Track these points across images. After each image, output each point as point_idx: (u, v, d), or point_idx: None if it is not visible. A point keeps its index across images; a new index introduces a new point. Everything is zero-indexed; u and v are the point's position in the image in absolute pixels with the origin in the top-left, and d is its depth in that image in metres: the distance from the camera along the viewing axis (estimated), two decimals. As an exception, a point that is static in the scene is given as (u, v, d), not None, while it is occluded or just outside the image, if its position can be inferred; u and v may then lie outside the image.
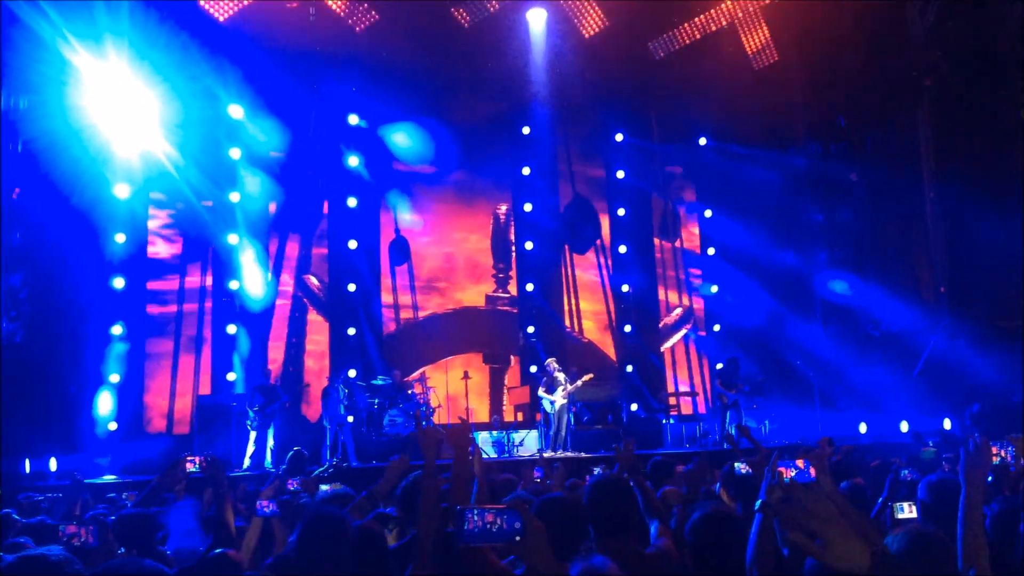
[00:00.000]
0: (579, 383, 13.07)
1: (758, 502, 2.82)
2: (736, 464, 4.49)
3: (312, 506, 3.26)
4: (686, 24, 15.64)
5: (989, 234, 14.09)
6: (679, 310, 18.08)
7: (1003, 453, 2.90)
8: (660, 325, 17.83)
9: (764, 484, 2.87)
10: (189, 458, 3.91)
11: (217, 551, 3.30)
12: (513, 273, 17.15)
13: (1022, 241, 14.19)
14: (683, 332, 18.04)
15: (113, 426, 12.44)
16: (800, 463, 2.90)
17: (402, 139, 15.92)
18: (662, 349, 17.68)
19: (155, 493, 4.05)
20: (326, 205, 15.56)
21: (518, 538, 2.20)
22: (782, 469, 2.91)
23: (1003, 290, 14.18)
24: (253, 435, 12.04)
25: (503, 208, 17.31)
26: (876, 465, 7.34)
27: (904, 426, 14.02)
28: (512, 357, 16.84)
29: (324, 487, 6.46)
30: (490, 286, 17.05)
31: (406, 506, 4.06)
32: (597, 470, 6.49)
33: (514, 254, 17.20)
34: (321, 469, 9.79)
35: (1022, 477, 3.83)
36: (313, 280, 15.48)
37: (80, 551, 3.04)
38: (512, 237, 17.27)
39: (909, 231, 15.56)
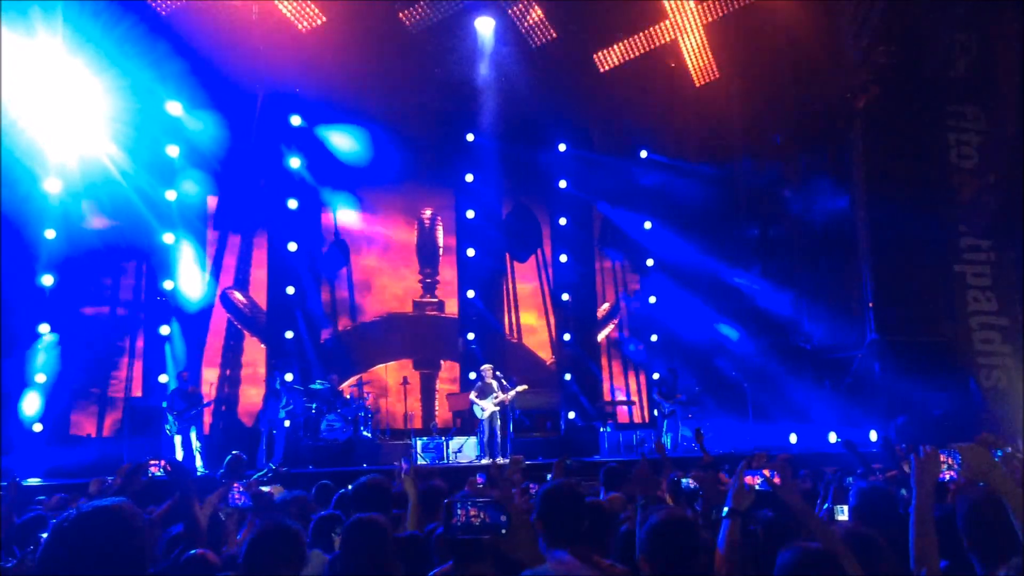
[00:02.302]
0: (512, 393, 13.11)
1: (725, 508, 2.88)
2: (684, 479, 4.57)
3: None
4: (631, 38, 15.89)
5: (916, 252, 14.63)
6: (607, 305, 18.27)
7: (950, 460, 3.03)
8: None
9: (731, 491, 2.93)
10: (152, 462, 3.91)
11: (193, 552, 3.27)
12: (440, 278, 17.16)
13: (947, 259, 14.80)
14: (611, 326, 18.24)
15: (39, 428, 12.03)
16: (767, 472, 2.97)
17: (345, 142, 15.77)
18: (599, 344, 17.85)
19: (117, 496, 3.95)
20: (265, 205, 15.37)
21: (504, 531, 2.24)
22: (748, 478, 2.97)
23: (928, 307, 14.72)
24: (178, 439, 11.89)
25: (427, 212, 17.31)
26: (805, 474, 7.59)
27: (832, 437, 14.42)
28: (442, 362, 16.84)
29: (264, 489, 6.39)
30: (419, 291, 17.05)
31: (358, 506, 4.06)
32: (549, 476, 6.54)
33: (441, 259, 17.20)
34: (260, 473, 9.62)
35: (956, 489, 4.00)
36: (238, 296, 15.25)
37: None
38: (439, 241, 17.28)
39: (839, 248, 16.02)
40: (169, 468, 3.86)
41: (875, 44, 15.19)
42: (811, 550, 2.52)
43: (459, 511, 2.26)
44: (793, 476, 3.22)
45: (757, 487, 2.94)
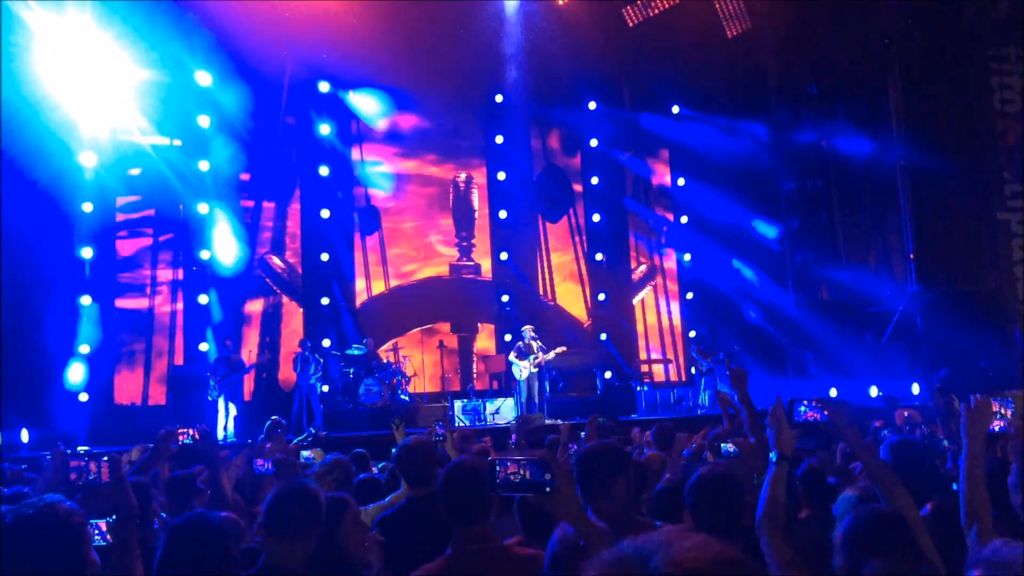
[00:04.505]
0: (551, 355, 13.15)
1: (773, 454, 2.82)
2: (724, 444, 4.51)
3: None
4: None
5: (957, 201, 14.31)
6: (643, 267, 18.13)
7: (1003, 410, 2.93)
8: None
9: (771, 435, 2.87)
10: (181, 430, 3.96)
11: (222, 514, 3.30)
12: (476, 240, 17.10)
13: (990, 208, 14.45)
14: (648, 288, 18.09)
15: (84, 397, 12.29)
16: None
17: (373, 106, 15.73)
18: (633, 305, 17.73)
19: (149, 463, 4.04)
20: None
21: (548, 489, 2.23)
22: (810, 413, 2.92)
23: (971, 256, 14.42)
24: (221, 403, 12.09)
25: (463, 176, 17.20)
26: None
27: (873, 391, 14.25)
28: (479, 325, 16.85)
29: (305, 453, 6.46)
30: (455, 255, 17.01)
31: (403, 468, 4.07)
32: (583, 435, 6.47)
33: (476, 222, 17.12)
34: (300, 438, 9.75)
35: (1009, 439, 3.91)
36: (276, 260, 15.33)
37: (88, 486, 3.04)
38: (474, 204, 17.19)
39: (879, 198, 15.71)
40: (198, 436, 3.92)
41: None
42: (882, 512, 2.47)
43: (499, 468, 2.27)
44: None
45: (810, 420, 2.89)
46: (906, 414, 7.02)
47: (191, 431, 3.93)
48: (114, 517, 2.77)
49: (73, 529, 2.21)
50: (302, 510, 2.84)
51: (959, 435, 2.93)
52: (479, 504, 2.85)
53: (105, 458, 3.06)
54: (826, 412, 3.00)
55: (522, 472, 2.25)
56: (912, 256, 14.86)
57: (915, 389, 13.64)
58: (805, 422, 2.91)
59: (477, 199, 17.19)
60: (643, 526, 2.92)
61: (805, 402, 3.08)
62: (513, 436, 8.10)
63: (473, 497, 2.85)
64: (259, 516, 3.78)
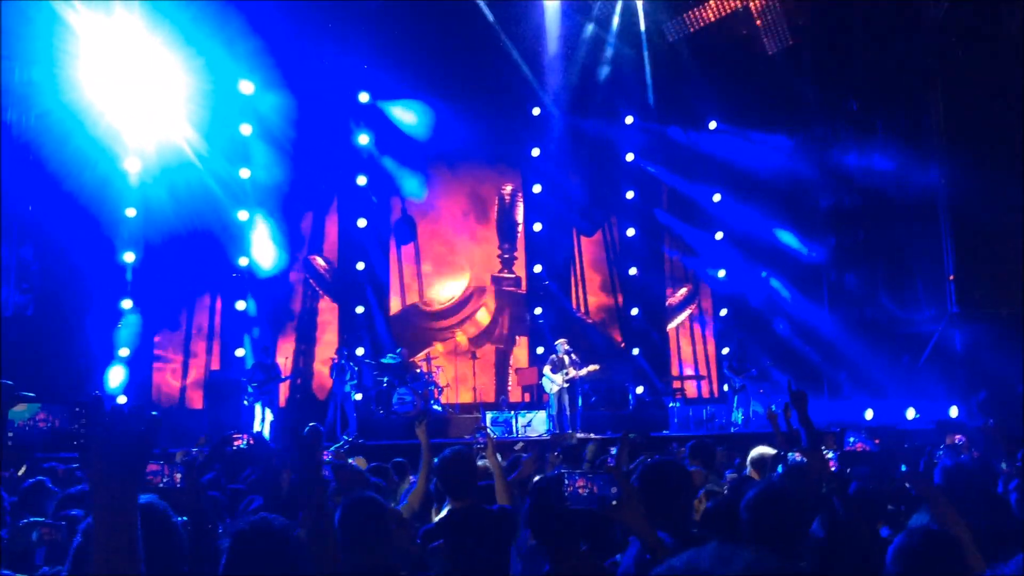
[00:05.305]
0: (583, 372, 13.07)
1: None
2: (791, 453, 4.46)
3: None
4: (701, 7, 15.54)
5: (998, 222, 14.12)
6: (684, 290, 18.05)
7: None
8: (666, 304, 17.84)
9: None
10: (236, 435, 4.04)
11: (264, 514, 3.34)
12: (518, 254, 17.12)
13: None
14: (688, 312, 17.99)
15: (123, 399, 12.46)
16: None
17: (411, 117, 15.81)
18: (668, 329, 17.66)
19: (204, 466, 4.11)
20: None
21: (615, 503, 2.26)
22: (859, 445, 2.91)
23: (1011, 279, 14.22)
24: (258, 409, 12.21)
25: (508, 188, 17.25)
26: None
27: (911, 413, 14.07)
28: (517, 337, 16.84)
29: (350, 460, 6.52)
30: (496, 266, 17.02)
31: (444, 480, 4.12)
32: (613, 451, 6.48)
33: (520, 234, 17.15)
34: (338, 445, 9.81)
35: None
36: (319, 261, 15.45)
37: (162, 491, 3.08)
38: (517, 217, 17.23)
39: (918, 218, 15.56)
40: (252, 441, 4.00)
41: (955, 3, 14.63)
42: (931, 532, 2.47)
43: (567, 482, 2.31)
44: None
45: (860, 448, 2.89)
46: (957, 438, 6.94)
47: (246, 436, 4.00)
48: (183, 519, 2.83)
49: (172, 527, 2.22)
50: (375, 520, 2.88)
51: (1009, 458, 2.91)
52: (566, 523, 2.88)
53: (178, 461, 3.12)
54: (876, 441, 2.99)
55: (590, 486, 2.29)
56: (951, 277, 14.70)
57: (953, 412, 13.45)
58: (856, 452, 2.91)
59: (521, 212, 17.24)
60: (702, 542, 2.91)
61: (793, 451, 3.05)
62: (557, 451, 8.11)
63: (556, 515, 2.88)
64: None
